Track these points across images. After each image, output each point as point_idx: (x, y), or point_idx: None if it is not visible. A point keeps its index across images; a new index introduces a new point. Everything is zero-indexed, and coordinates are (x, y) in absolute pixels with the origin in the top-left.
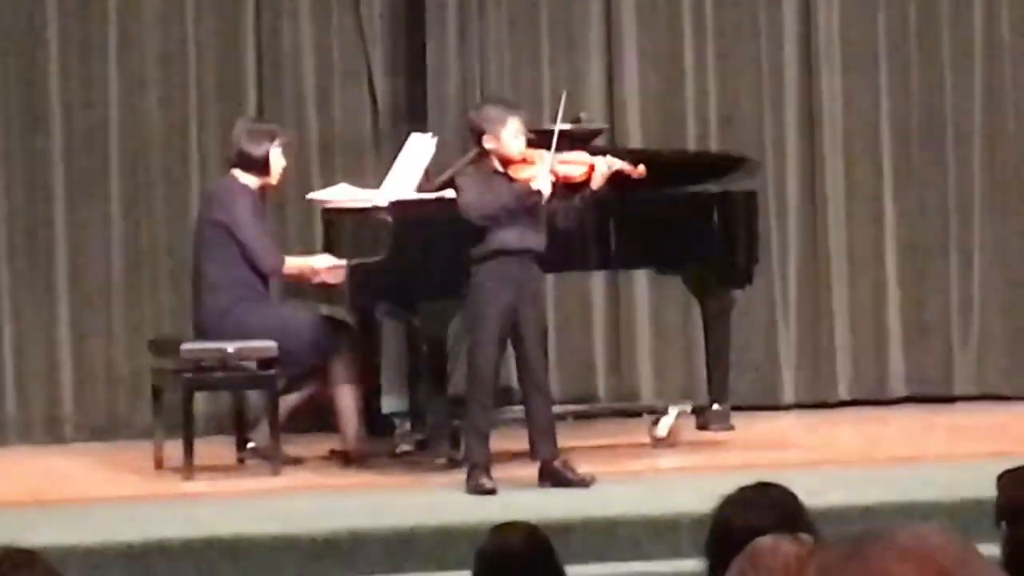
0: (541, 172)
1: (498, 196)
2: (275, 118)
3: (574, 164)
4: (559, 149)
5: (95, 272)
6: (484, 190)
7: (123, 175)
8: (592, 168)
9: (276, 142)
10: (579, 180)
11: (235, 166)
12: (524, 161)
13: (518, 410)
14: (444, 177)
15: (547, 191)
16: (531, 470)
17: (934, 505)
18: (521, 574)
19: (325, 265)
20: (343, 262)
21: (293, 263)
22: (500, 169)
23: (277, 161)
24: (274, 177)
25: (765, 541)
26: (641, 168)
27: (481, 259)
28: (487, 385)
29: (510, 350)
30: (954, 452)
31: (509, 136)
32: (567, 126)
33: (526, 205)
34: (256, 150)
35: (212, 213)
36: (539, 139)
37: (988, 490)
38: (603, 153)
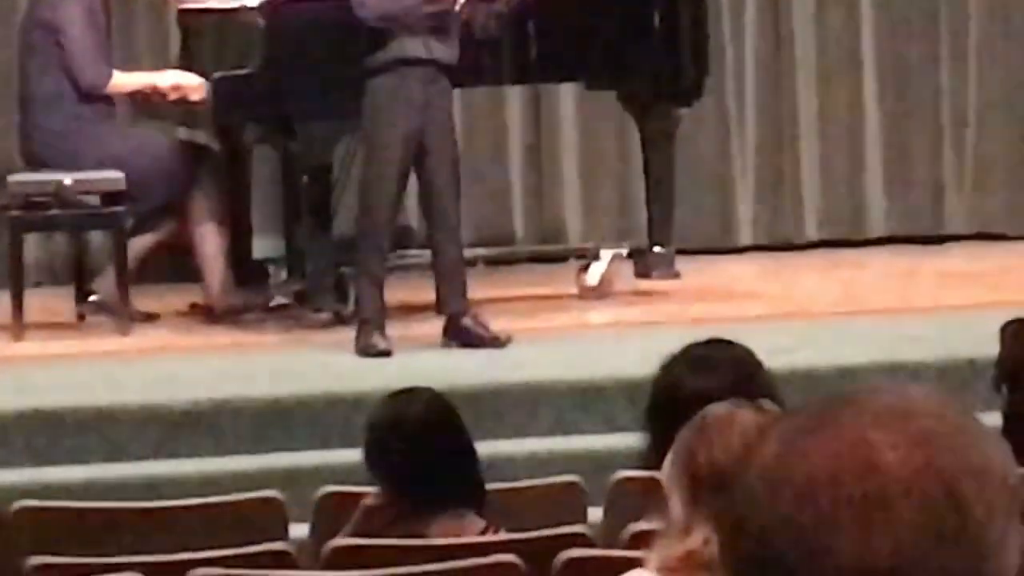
0: None
1: None
2: None
3: None
4: None
5: None
6: None
7: None
8: None
9: None
10: None
11: None
12: None
13: (419, 254)
14: None
15: None
16: (435, 327)
17: (921, 365)
18: (421, 450)
19: (170, 82)
20: (199, 80)
21: (127, 80)
22: None
23: None
24: None
25: (718, 408)
26: None
27: (378, 70)
28: (383, 223)
29: (411, 183)
30: (945, 302)
31: None
32: None
33: (437, 8)
34: None
35: (38, 13)
36: None
37: (986, 347)
38: None
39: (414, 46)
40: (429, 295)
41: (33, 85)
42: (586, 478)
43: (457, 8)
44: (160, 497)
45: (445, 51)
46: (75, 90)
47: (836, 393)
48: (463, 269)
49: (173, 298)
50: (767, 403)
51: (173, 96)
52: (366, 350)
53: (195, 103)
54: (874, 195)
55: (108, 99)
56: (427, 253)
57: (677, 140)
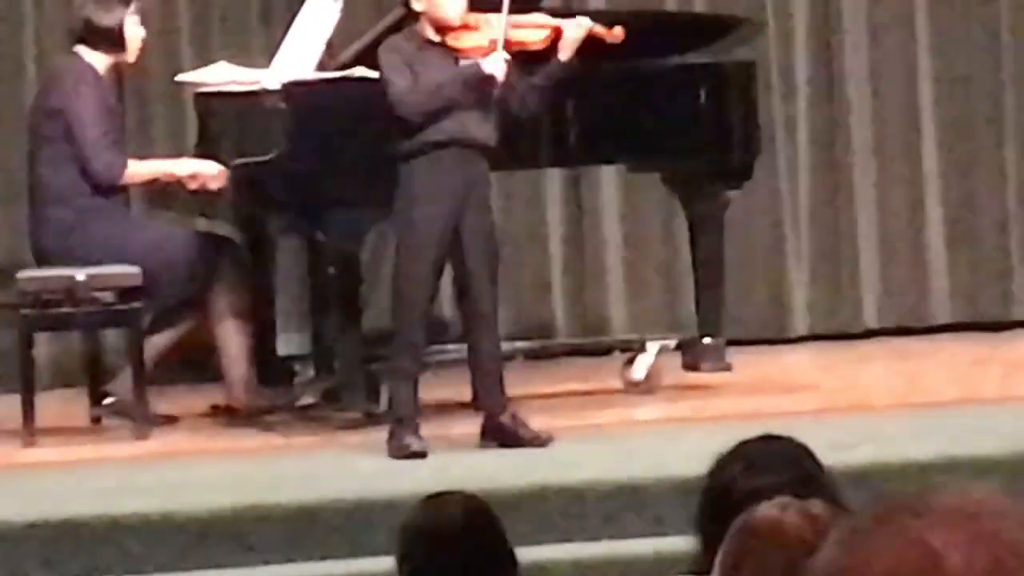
0: (490, 41)
1: (439, 85)
2: None
3: (532, 28)
4: (509, 11)
5: None
6: (418, 72)
7: None
8: (557, 33)
9: (131, 8)
10: (539, 49)
11: (79, 41)
12: (466, 27)
13: (454, 349)
14: (354, 50)
15: (501, 75)
16: (472, 425)
17: (988, 460)
18: (458, 557)
19: (188, 170)
20: (218, 167)
21: (143, 168)
22: (434, 38)
23: (133, 32)
24: (130, 53)
25: (772, 508)
26: (617, 30)
27: (412, 154)
28: (418, 317)
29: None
30: (1014, 393)
31: None
32: None
33: (477, 94)
34: (105, 19)
35: (49, 101)
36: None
37: None
38: (560, 16)
39: (451, 127)
40: (465, 392)
41: (43, 177)
42: None
43: (496, 88)
44: None
45: (483, 131)
46: (87, 181)
47: (898, 492)
48: (500, 364)
49: (193, 399)
50: (821, 503)
51: (192, 185)
52: (399, 451)
53: (215, 192)
54: (937, 280)
55: (122, 190)
56: (463, 347)
57: (726, 224)
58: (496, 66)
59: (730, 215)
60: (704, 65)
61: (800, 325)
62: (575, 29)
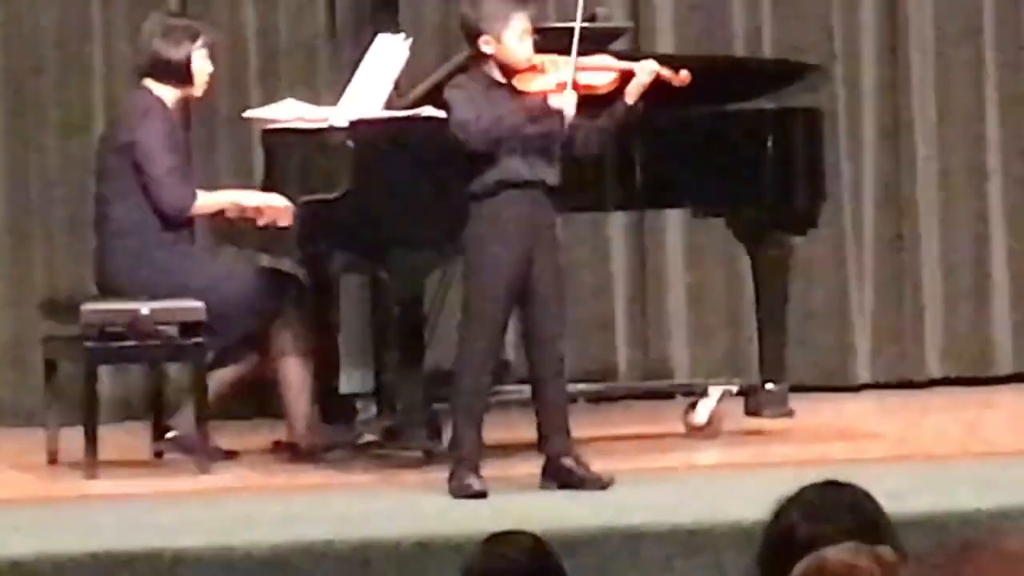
0: (558, 84)
1: (504, 115)
2: (201, 13)
3: (599, 71)
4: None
5: None
6: (484, 108)
7: (4, 93)
8: (626, 76)
9: (199, 42)
10: (605, 92)
11: (147, 75)
12: (533, 69)
13: (517, 389)
14: (421, 90)
15: (571, 111)
16: (533, 467)
17: None
18: None
19: (257, 202)
20: (286, 203)
21: (212, 200)
22: (501, 80)
23: (201, 66)
24: (198, 87)
25: (834, 555)
26: (684, 74)
27: (481, 195)
28: (485, 357)
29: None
30: None
31: (513, 37)
32: (583, 24)
33: (543, 128)
34: (174, 53)
35: (117, 134)
36: (548, 41)
37: None
38: (632, 58)
39: (518, 167)
40: (527, 432)
41: (110, 210)
42: None
43: (565, 125)
44: None
45: (549, 172)
46: (155, 215)
47: (960, 539)
48: (566, 406)
49: (255, 435)
50: (887, 550)
51: (261, 221)
52: (460, 491)
53: (281, 228)
54: (1001, 329)
55: (189, 223)
56: (526, 388)
57: (791, 271)
58: (566, 100)
59: (794, 261)
60: (772, 111)
61: (863, 373)
62: (643, 73)
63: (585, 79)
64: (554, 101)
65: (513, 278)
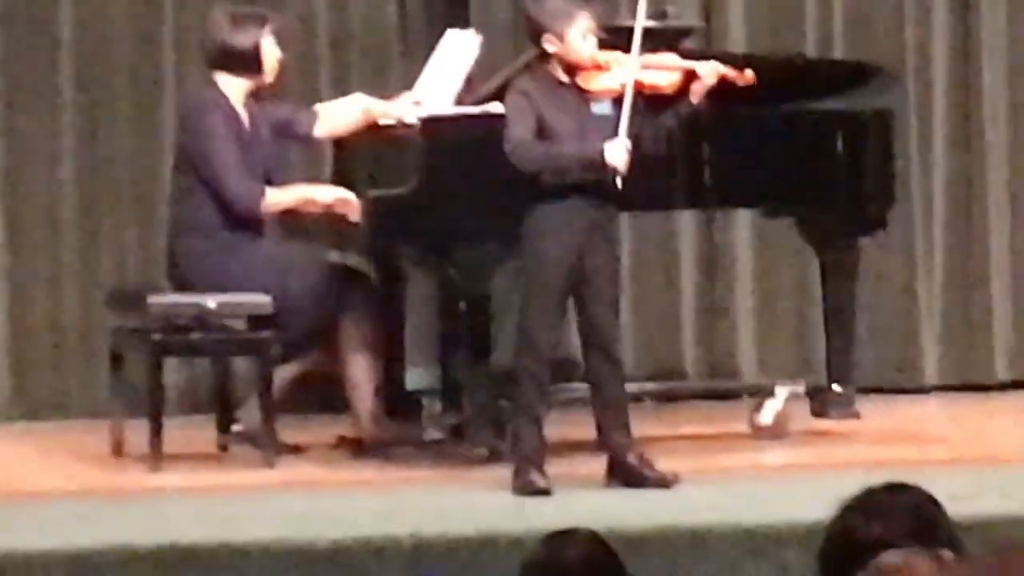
0: (621, 85)
1: (558, 155)
2: (270, 6)
3: (664, 70)
4: (641, 52)
5: (38, 207)
6: (546, 119)
7: (77, 84)
8: (690, 75)
9: (267, 29)
10: (670, 91)
11: (217, 67)
12: (597, 67)
13: (581, 388)
14: (491, 86)
15: (624, 167)
16: (597, 465)
17: None
18: None
19: (329, 197)
20: (356, 199)
21: (283, 197)
22: (565, 79)
23: (270, 52)
24: (268, 74)
25: (895, 557)
26: (749, 73)
27: (541, 193)
28: (543, 356)
29: (571, 312)
30: None
31: (577, 36)
32: (651, 23)
33: (593, 177)
34: (241, 40)
35: (182, 133)
36: (613, 39)
37: None
38: (699, 57)
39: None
40: (591, 431)
41: (178, 207)
42: None
43: (620, 177)
44: None
45: (609, 172)
46: (225, 212)
47: (1018, 542)
48: (626, 404)
49: (320, 430)
50: (946, 552)
51: (339, 209)
52: (524, 488)
53: (352, 223)
54: None
55: (261, 220)
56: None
57: (859, 272)
58: (618, 157)
59: (863, 263)
60: (842, 113)
61: (931, 375)
62: (708, 74)
63: (649, 79)
64: (609, 155)
65: (569, 275)
